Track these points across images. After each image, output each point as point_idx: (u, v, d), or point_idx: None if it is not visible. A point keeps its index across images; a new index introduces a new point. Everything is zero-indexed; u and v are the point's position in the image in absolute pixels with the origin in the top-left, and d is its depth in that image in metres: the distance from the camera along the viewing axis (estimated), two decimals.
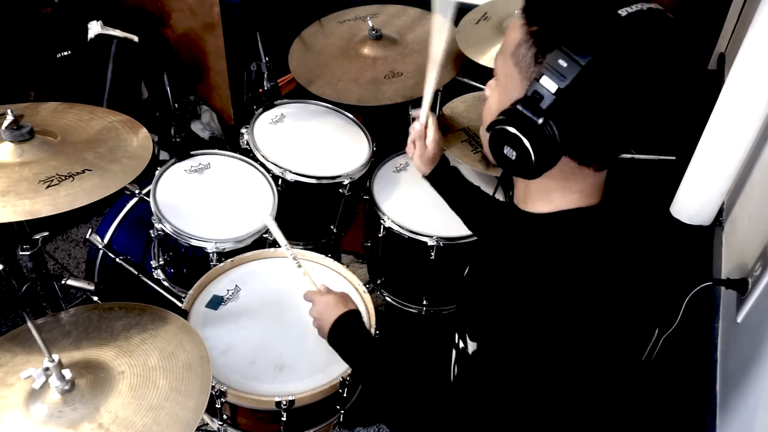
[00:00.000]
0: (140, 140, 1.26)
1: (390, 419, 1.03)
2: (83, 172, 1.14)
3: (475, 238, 1.70)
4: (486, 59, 1.64)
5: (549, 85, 0.74)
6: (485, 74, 1.80)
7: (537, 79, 0.75)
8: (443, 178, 1.43)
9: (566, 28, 0.75)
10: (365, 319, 1.41)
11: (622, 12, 0.74)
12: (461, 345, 1.03)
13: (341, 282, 1.51)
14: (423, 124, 1.36)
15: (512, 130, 0.78)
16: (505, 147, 0.81)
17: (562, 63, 0.73)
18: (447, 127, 1.94)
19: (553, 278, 0.81)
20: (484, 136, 0.89)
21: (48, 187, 1.08)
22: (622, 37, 0.74)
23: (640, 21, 0.74)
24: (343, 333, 1.13)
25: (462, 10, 1.81)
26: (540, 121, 0.76)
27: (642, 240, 0.90)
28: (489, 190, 1.84)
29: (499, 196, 1.82)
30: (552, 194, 0.87)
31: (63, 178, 1.11)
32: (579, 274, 0.82)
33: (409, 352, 1.30)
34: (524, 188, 0.92)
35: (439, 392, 0.99)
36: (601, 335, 0.81)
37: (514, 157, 0.80)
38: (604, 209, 0.88)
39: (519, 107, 0.77)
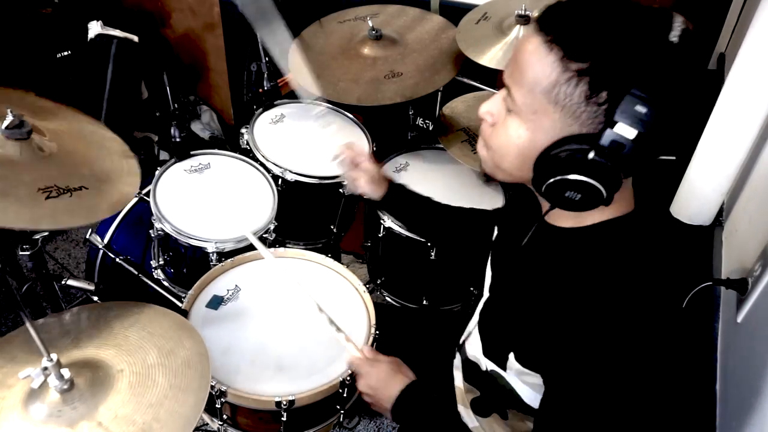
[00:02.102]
0: (128, 167, 1.25)
1: None
2: (80, 189, 1.11)
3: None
4: (486, 59, 1.64)
5: (627, 132, 0.72)
6: (485, 74, 1.81)
7: (608, 125, 0.72)
8: (399, 197, 1.39)
9: (627, 68, 0.72)
10: (365, 318, 1.41)
11: (673, 38, 0.72)
12: (491, 367, 1.01)
13: (341, 282, 1.51)
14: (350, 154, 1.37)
15: (588, 180, 0.75)
16: (568, 192, 0.78)
17: (641, 109, 0.71)
18: (447, 127, 1.94)
19: (613, 298, 0.80)
20: (505, 168, 0.87)
21: (47, 198, 1.06)
22: (681, 68, 0.73)
23: (687, 42, 0.73)
24: (412, 409, 1.04)
25: (462, 10, 1.81)
26: (614, 166, 0.74)
27: (668, 247, 0.89)
28: (488, 189, 1.85)
29: (499, 199, 1.82)
30: (593, 211, 0.85)
31: (61, 191, 1.08)
32: (630, 290, 0.80)
33: (410, 351, 1.30)
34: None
35: None
36: (661, 346, 0.80)
37: (577, 199, 0.78)
38: (637, 217, 0.87)
39: (592, 156, 0.74)
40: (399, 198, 1.40)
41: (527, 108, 0.79)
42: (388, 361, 1.12)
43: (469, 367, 1.13)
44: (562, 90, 0.75)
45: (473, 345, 1.11)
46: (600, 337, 0.79)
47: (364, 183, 1.37)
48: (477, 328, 1.10)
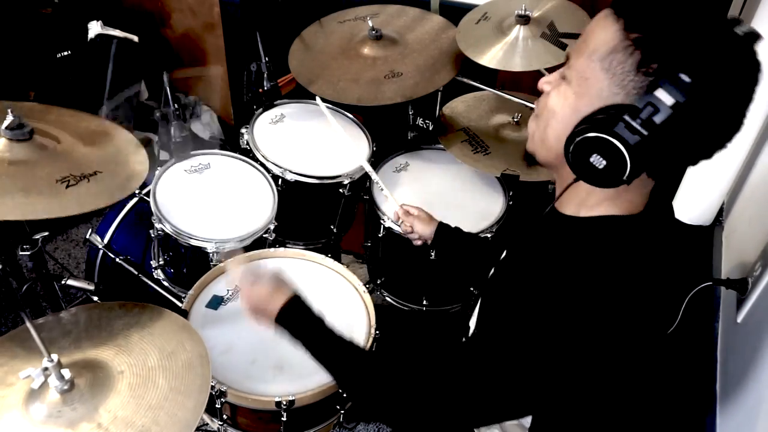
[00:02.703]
0: (132, 147, 1.28)
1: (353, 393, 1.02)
2: (95, 174, 1.15)
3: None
4: (486, 59, 1.64)
5: (666, 98, 0.72)
6: (485, 74, 1.81)
7: (649, 91, 0.73)
8: (449, 238, 1.45)
9: (682, 42, 0.73)
10: (365, 318, 1.41)
11: (739, 31, 0.72)
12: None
13: (341, 282, 1.51)
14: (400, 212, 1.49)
15: (613, 140, 0.75)
16: (594, 155, 0.78)
17: (685, 78, 0.71)
18: (447, 127, 1.94)
19: (579, 277, 0.80)
20: (549, 139, 0.87)
21: (68, 187, 1.10)
22: (736, 58, 0.73)
23: (751, 40, 0.73)
24: (292, 326, 1.06)
25: (462, 10, 1.81)
26: (647, 134, 0.74)
27: (675, 251, 0.89)
28: (488, 189, 1.85)
29: (499, 199, 1.82)
30: (603, 203, 0.86)
31: (78, 178, 1.12)
32: (606, 278, 0.80)
33: (410, 350, 1.30)
34: (573, 194, 0.88)
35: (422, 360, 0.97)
36: (613, 340, 0.80)
37: (602, 166, 0.78)
38: (644, 218, 0.86)
39: (626, 117, 0.74)
40: (446, 233, 1.45)
41: (580, 74, 0.81)
42: (271, 277, 1.11)
43: None
44: (617, 58, 0.76)
45: (473, 325, 1.11)
46: (552, 306, 0.79)
47: (420, 227, 1.47)
48: (479, 306, 1.11)
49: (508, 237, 1.12)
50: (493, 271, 1.12)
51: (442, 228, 1.45)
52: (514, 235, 1.11)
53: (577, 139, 0.79)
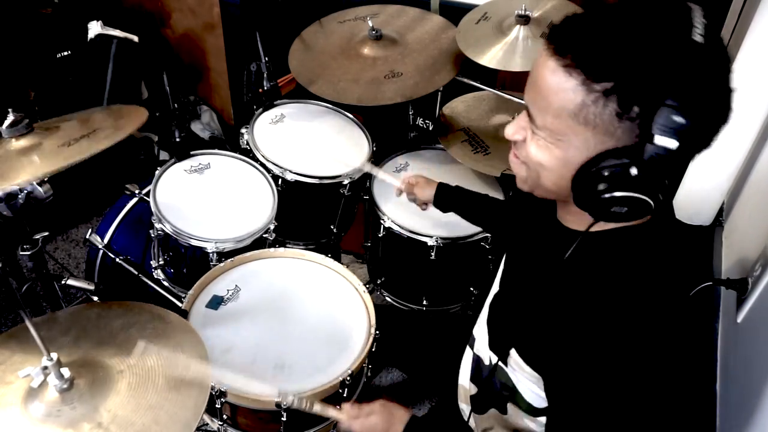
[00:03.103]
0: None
1: None
2: (94, 131, 1.17)
3: (476, 238, 1.70)
4: (486, 59, 1.64)
5: (668, 143, 0.70)
6: (485, 74, 1.81)
7: (647, 140, 0.71)
8: (450, 198, 1.49)
9: (654, 77, 0.69)
10: (365, 318, 1.41)
11: (696, 37, 0.70)
12: (493, 360, 1.01)
13: (341, 282, 1.51)
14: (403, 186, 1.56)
15: (638, 195, 0.74)
16: (614, 207, 0.76)
17: (678, 119, 0.69)
18: (447, 127, 1.94)
19: (618, 306, 0.79)
20: (545, 185, 0.85)
21: (70, 145, 1.12)
22: (712, 68, 0.71)
23: (711, 38, 0.71)
24: None
25: (462, 10, 1.81)
26: (660, 176, 0.73)
27: (677, 256, 0.88)
28: (488, 189, 1.85)
29: (499, 196, 1.82)
30: None
31: (79, 138, 1.14)
32: (651, 298, 0.80)
33: (409, 350, 1.29)
34: (569, 209, 0.87)
35: None
36: (664, 354, 0.80)
37: (623, 212, 0.77)
38: (653, 225, 0.85)
39: (634, 171, 0.72)
40: (446, 192, 1.50)
41: (556, 130, 0.78)
42: (378, 406, 1.10)
43: (477, 361, 1.13)
44: (590, 111, 0.73)
45: (480, 338, 1.11)
46: (603, 344, 0.79)
47: (421, 192, 1.53)
48: (486, 320, 1.10)
49: (507, 249, 1.11)
50: (498, 287, 1.11)
51: (442, 188, 1.50)
52: (515, 249, 1.11)
53: (595, 202, 0.77)
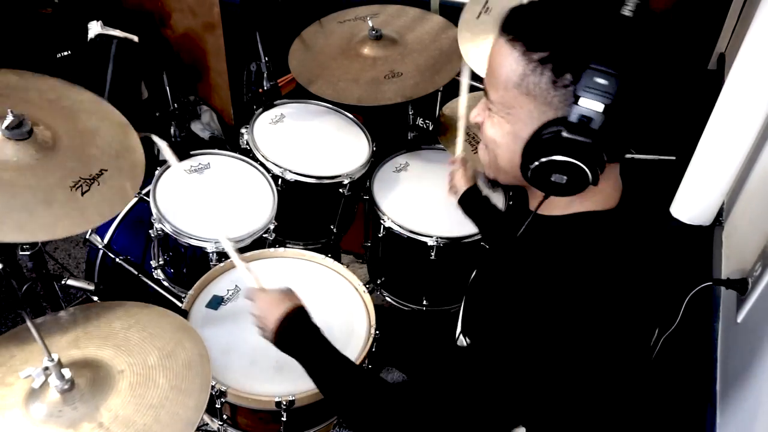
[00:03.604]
0: (124, 131, 1.28)
1: (350, 418, 1.01)
2: (101, 173, 1.13)
3: (476, 238, 1.71)
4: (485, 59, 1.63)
5: (594, 105, 0.73)
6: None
7: (575, 103, 0.74)
8: (475, 202, 1.48)
9: (581, 46, 0.74)
10: (365, 318, 1.41)
11: (625, 12, 0.74)
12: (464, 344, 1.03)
13: (341, 282, 1.51)
14: (459, 157, 1.51)
15: (566, 159, 0.77)
16: (554, 175, 0.80)
17: (601, 81, 0.72)
18: (447, 127, 1.94)
19: (561, 279, 0.81)
20: (501, 165, 0.88)
21: (83, 194, 1.08)
22: (640, 37, 0.75)
23: (642, 14, 0.75)
24: (294, 332, 1.05)
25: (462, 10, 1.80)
26: (590, 141, 0.75)
27: (649, 244, 0.90)
28: (488, 190, 1.85)
29: (499, 199, 1.82)
30: (578, 198, 0.86)
31: (89, 181, 1.10)
32: (587, 277, 0.81)
33: (409, 350, 1.29)
34: (538, 195, 0.89)
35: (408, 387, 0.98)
36: (604, 340, 0.81)
37: (564, 181, 0.80)
38: (619, 214, 0.87)
39: (564, 134, 0.76)
40: (473, 196, 1.48)
41: (503, 104, 0.83)
42: (280, 289, 1.12)
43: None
44: (530, 81, 0.78)
45: (459, 326, 1.13)
46: (537, 312, 0.80)
47: (459, 179, 1.50)
48: (462, 307, 1.11)
49: (493, 236, 1.14)
50: (475, 273, 1.12)
51: (471, 191, 1.48)
52: (497, 236, 1.13)
53: (531, 167, 0.81)
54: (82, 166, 1.13)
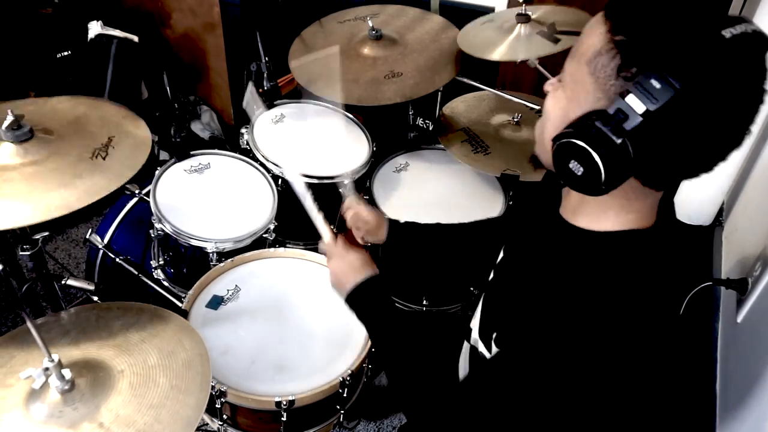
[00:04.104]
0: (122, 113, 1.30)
1: (403, 400, 1.02)
2: (110, 140, 1.19)
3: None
4: (494, 55, 1.64)
5: (636, 105, 0.70)
6: (485, 74, 1.81)
7: (622, 96, 0.71)
8: (405, 236, 1.35)
9: (661, 46, 0.70)
10: None
11: (726, 33, 0.69)
12: (481, 349, 1.02)
13: None
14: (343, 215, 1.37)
15: (586, 146, 0.74)
16: (572, 161, 0.76)
17: (655, 84, 0.69)
18: (447, 127, 1.94)
19: (601, 301, 0.79)
20: (545, 141, 0.85)
21: (104, 158, 1.15)
22: (723, 62, 0.69)
23: (744, 45, 0.70)
24: (364, 300, 1.10)
25: (462, 10, 1.81)
26: (619, 141, 0.72)
27: (685, 264, 0.87)
28: (488, 189, 1.85)
29: (499, 199, 1.82)
30: (608, 212, 0.84)
31: (104, 148, 1.17)
32: (627, 300, 0.79)
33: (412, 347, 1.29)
34: (578, 201, 0.88)
35: (450, 387, 0.99)
36: (638, 363, 0.79)
37: (580, 173, 0.76)
38: (657, 232, 0.85)
39: (597, 123, 0.73)
40: (404, 233, 1.36)
41: (572, 77, 0.80)
42: (358, 251, 1.15)
43: (473, 353, 1.13)
44: (601, 60, 0.75)
45: (476, 329, 1.11)
46: (568, 331, 0.78)
47: (368, 236, 1.35)
48: (480, 309, 1.10)
49: (507, 238, 1.11)
50: (493, 274, 1.11)
51: (393, 224, 1.35)
52: (515, 237, 1.11)
53: (556, 144, 0.78)
54: (90, 141, 1.18)
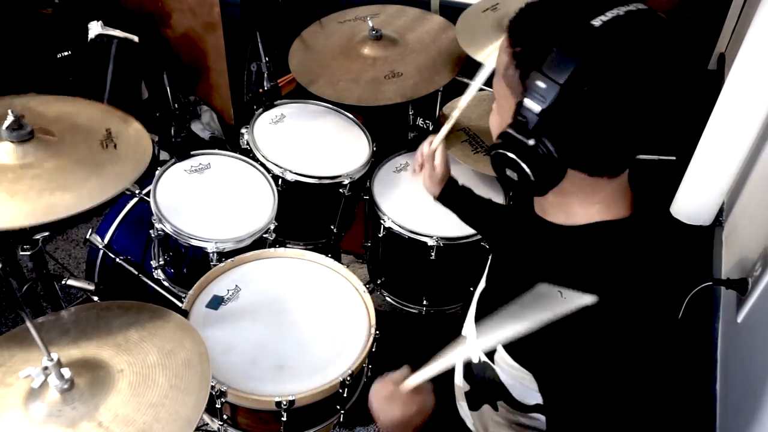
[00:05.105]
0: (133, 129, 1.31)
1: None
2: (108, 131, 1.22)
3: (476, 238, 1.71)
4: (482, 56, 1.64)
5: (532, 106, 0.75)
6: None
7: (521, 102, 0.75)
8: (454, 198, 1.39)
9: (540, 48, 0.75)
10: (365, 318, 1.41)
11: (596, 22, 0.72)
12: (479, 357, 1.02)
13: (341, 282, 1.51)
14: (433, 149, 1.35)
15: (508, 153, 0.78)
16: (507, 169, 0.81)
17: (541, 84, 0.73)
18: None
19: (606, 302, 0.78)
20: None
21: (115, 146, 1.19)
22: (597, 49, 0.72)
23: (617, 27, 0.72)
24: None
25: (462, 11, 1.81)
26: (531, 142, 0.76)
27: (669, 253, 0.88)
28: (488, 189, 1.85)
29: (500, 199, 1.82)
30: (572, 207, 0.86)
31: (107, 138, 1.20)
32: (610, 291, 0.79)
33: (410, 351, 1.29)
34: (542, 201, 0.91)
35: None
36: (655, 350, 0.81)
37: (516, 178, 0.80)
38: (634, 222, 0.86)
39: (509, 130, 0.78)
40: (457, 197, 1.40)
41: (497, 93, 0.85)
42: (413, 401, 1.03)
43: (468, 360, 1.13)
44: (509, 72, 0.80)
45: (469, 336, 1.11)
46: (593, 340, 0.79)
47: (426, 178, 1.38)
48: (473, 318, 1.10)
49: (493, 245, 1.13)
50: (485, 284, 1.11)
51: (450, 183, 1.39)
52: (500, 242, 1.12)
53: (491, 157, 0.82)
54: (90, 134, 1.20)
